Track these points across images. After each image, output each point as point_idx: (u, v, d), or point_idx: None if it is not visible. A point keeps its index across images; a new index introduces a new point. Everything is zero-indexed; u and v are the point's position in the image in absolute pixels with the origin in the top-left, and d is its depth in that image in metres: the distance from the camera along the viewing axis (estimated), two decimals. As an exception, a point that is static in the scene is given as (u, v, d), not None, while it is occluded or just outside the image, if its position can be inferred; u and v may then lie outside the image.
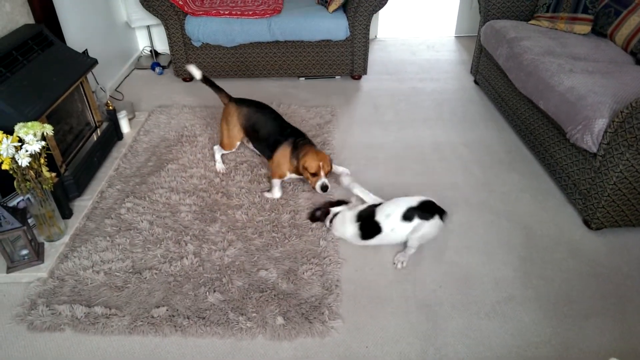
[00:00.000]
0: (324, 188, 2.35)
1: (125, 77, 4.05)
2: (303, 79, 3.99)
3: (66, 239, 2.21)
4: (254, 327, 1.81)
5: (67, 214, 2.33)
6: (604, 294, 1.97)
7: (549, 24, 3.31)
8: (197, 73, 2.64)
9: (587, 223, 2.33)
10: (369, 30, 3.70)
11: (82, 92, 2.72)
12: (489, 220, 2.38)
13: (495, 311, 1.90)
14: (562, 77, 2.55)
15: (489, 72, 3.55)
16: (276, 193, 2.49)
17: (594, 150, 2.20)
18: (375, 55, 4.52)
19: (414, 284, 2.03)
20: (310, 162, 2.33)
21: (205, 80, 2.68)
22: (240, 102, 2.67)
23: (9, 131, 1.89)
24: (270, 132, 2.52)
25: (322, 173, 2.34)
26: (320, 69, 3.89)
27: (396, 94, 3.73)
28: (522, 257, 2.16)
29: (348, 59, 3.82)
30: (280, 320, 1.83)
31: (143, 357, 1.72)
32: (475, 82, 3.89)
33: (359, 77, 3.99)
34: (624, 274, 2.06)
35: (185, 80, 3.95)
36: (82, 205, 2.43)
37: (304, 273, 2.04)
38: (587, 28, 3.20)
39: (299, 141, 2.45)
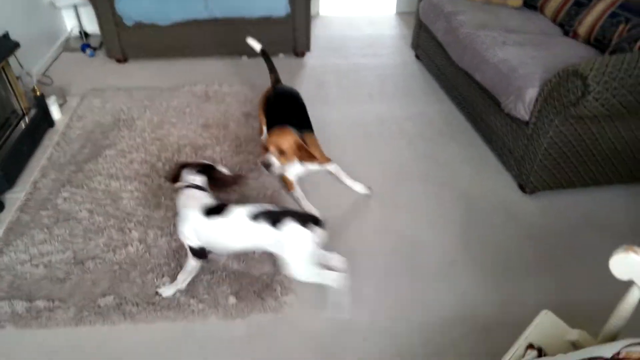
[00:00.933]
0: (266, 164, 2.16)
1: (54, 61, 3.80)
2: (246, 57, 3.91)
3: (-1, 233, 2.09)
4: (206, 309, 1.79)
5: (-3, 207, 2.19)
6: (539, 253, 2.11)
7: (483, -3, 3.41)
8: (257, 46, 2.75)
9: (522, 187, 2.46)
10: (309, 6, 3.66)
11: (5, 78, 2.54)
12: (433, 191, 2.47)
13: (440, 275, 1.99)
14: (495, 49, 2.64)
15: (428, 46, 3.63)
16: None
17: (526, 118, 2.32)
18: (318, 31, 4.49)
19: (364, 255, 2.08)
20: (270, 140, 2.18)
21: (263, 54, 2.74)
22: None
23: None
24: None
25: (273, 150, 2.14)
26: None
27: (340, 70, 3.74)
28: (462, 223, 2.26)
29: (290, 36, 3.78)
30: (232, 299, 1.82)
31: (94, 347, 1.67)
32: (417, 56, 3.97)
33: (303, 54, 3.96)
34: (556, 233, 2.21)
35: (119, 61, 3.76)
36: (14, 197, 2.29)
37: (254, 252, 2.03)
38: (519, 1, 3.33)
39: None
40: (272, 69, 2.72)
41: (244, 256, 2.01)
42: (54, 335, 1.71)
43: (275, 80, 2.71)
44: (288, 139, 2.14)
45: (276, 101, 2.50)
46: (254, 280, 1.91)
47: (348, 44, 4.25)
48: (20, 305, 1.78)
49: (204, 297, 1.83)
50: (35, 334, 1.72)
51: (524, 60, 2.47)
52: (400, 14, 5.08)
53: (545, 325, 1.24)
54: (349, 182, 2.43)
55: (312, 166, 2.34)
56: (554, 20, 3.09)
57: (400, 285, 1.95)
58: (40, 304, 1.79)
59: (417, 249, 2.12)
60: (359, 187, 2.43)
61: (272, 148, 2.15)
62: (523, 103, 2.30)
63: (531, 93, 2.27)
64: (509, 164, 2.55)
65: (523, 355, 1.17)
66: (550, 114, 2.16)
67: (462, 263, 2.05)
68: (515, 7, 3.33)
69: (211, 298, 1.83)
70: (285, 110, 2.43)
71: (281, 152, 2.13)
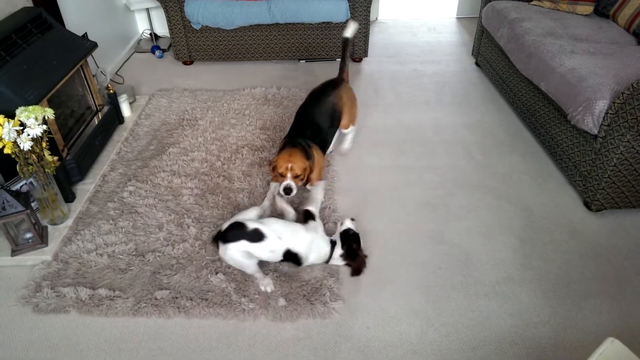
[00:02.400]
0: (287, 190, 2.20)
1: (126, 61, 4.02)
2: (303, 61, 3.97)
3: (69, 222, 2.23)
4: (257, 309, 1.83)
5: (70, 197, 2.34)
6: (603, 275, 1.99)
7: (551, 4, 3.28)
8: (350, 31, 2.70)
9: (587, 204, 2.34)
10: (369, 12, 3.67)
11: (83, 76, 2.71)
12: (490, 202, 2.39)
13: (495, 291, 1.92)
14: (563, 58, 2.53)
15: (490, 53, 3.52)
16: (265, 201, 2.32)
17: (595, 131, 2.20)
18: (375, 37, 4.48)
19: (415, 265, 2.05)
20: (280, 162, 2.20)
21: (344, 43, 2.70)
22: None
23: (10, 115, 1.89)
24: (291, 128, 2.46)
25: (289, 175, 2.18)
26: (321, 52, 3.86)
27: (397, 77, 3.71)
28: (522, 239, 2.17)
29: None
30: (282, 301, 1.85)
31: (147, 338, 1.75)
32: (477, 64, 3.87)
33: (360, 60, 3.96)
34: (623, 255, 2.08)
35: (185, 63, 3.93)
36: (85, 188, 2.44)
37: (305, 255, 2.05)
38: (589, 9, 3.16)
39: (299, 141, 2.29)
40: (343, 60, 2.71)
41: (295, 258, 2.04)
42: (112, 323, 1.81)
43: (340, 74, 2.69)
44: (299, 164, 2.18)
45: (312, 99, 2.52)
46: (304, 284, 1.93)
47: (406, 50, 4.21)
48: (84, 292, 1.90)
49: (255, 297, 1.87)
50: (95, 321, 1.82)
51: (593, 70, 2.34)
52: (461, 19, 4.96)
53: (610, 355, 1.16)
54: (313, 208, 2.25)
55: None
56: (627, 29, 2.91)
57: (452, 299, 1.90)
58: (103, 292, 1.90)
59: (471, 262, 2.06)
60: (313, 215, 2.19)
61: (284, 171, 2.17)
62: (592, 115, 2.18)
63: (601, 105, 2.15)
64: (574, 178, 2.42)
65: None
66: (622, 128, 2.04)
67: (519, 280, 1.97)
68: (585, 14, 3.17)
69: (262, 298, 1.87)
70: (309, 113, 2.45)
71: (295, 176, 2.19)
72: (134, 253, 2.08)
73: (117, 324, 1.81)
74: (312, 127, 2.40)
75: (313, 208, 2.17)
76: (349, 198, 2.43)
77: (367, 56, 3.90)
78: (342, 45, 2.73)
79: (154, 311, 1.83)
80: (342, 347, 1.72)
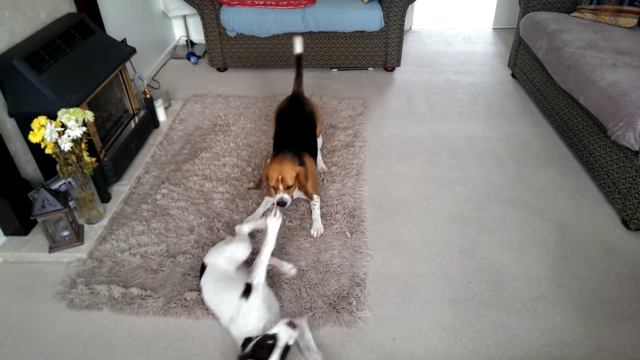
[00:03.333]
0: (281, 203, 2.10)
1: (162, 67, 4.13)
2: (336, 70, 3.99)
3: (105, 222, 2.29)
4: (282, 314, 1.83)
5: (105, 198, 2.41)
6: (641, 296, 1.91)
7: (592, 16, 3.20)
8: (298, 47, 2.70)
9: (625, 223, 2.25)
10: (404, 21, 3.66)
11: (121, 80, 2.80)
12: (523, 217, 2.34)
13: (527, 309, 1.87)
14: (604, 71, 2.46)
15: (527, 65, 3.46)
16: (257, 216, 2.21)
17: (636, 148, 2.13)
18: (409, 46, 4.46)
19: (444, 278, 2.01)
20: (270, 172, 2.10)
21: (299, 59, 2.73)
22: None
23: (52, 117, 1.96)
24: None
25: (281, 187, 2.08)
26: (353, 61, 3.87)
27: (430, 87, 3.68)
28: (556, 256, 2.11)
29: (382, 51, 3.79)
30: (307, 312, 1.85)
31: (176, 339, 1.78)
32: (513, 75, 3.80)
33: (392, 69, 3.95)
34: (663, 276, 2.00)
35: (219, 70, 4.00)
36: (120, 190, 2.51)
37: (332, 264, 2.05)
38: (633, 21, 3.07)
39: (289, 150, 2.20)
40: (299, 75, 2.70)
41: (321, 267, 2.04)
42: (143, 322, 1.85)
43: (298, 87, 2.68)
44: (290, 173, 2.07)
45: (289, 112, 2.49)
46: (330, 291, 1.93)
47: (440, 60, 4.17)
48: (117, 291, 1.95)
49: (281, 304, 1.88)
50: (127, 319, 1.86)
51: (636, 85, 2.27)
52: (498, 29, 4.89)
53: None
54: (315, 221, 2.25)
55: (300, 194, 2.27)
56: (675, 42, 2.81)
57: (482, 314, 1.86)
58: (135, 291, 1.94)
59: (502, 278, 2.01)
60: (314, 231, 2.21)
61: (275, 183, 2.07)
62: (634, 131, 2.11)
63: (644, 121, 2.08)
64: (612, 196, 2.34)
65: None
66: (667, 145, 1.96)
67: (552, 299, 1.91)
68: (628, 27, 3.08)
69: (288, 305, 1.87)
70: (293, 125, 2.40)
71: (287, 187, 2.09)
72: (165, 254, 2.13)
73: (148, 323, 1.84)
74: (300, 136, 2.34)
75: (258, 270, 1.71)
76: (377, 207, 2.41)
77: (400, 65, 3.89)
78: (296, 61, 2.73)
79: (184, 312, 1.86)
80: (366, 357, 1.71)
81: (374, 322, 1.83)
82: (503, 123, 3.16)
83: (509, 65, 3.85)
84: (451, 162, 2.77)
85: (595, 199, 2.45)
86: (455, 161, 2.78)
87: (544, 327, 1.80)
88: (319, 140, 2.62)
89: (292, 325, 1.55)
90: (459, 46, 4.48)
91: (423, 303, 1.91)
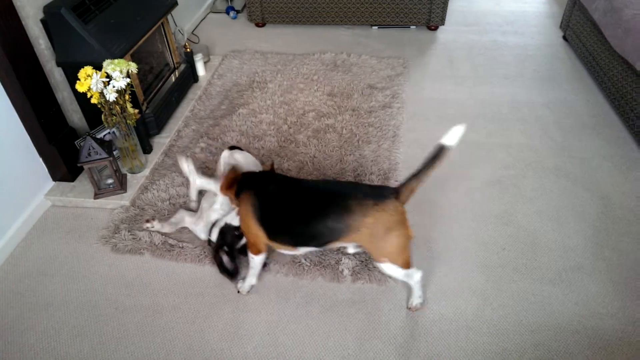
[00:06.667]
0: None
1: (201, 21, 4.12)
2: (376, 27, 3.87)
3: (146, 172, 2.37)
4: (316, 269, 1.88)
5: (147, 149, 2.48)
6: (684, 273, 1.85)
7: (660, -26, 2.95)
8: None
9: (675, 197, 2.16)
10: (451, -23, 3.49)
11: (163, 33, 2.81)
12: (565, 186, 2.27)
13: (561, 278, 1.85)
14: (667, 35, 2.29)
15: (581, 27, 3.26)
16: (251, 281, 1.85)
17: (695, 118, 2.00)
18: (455, 4, 4.27)
19: (477, 244, 2.00)
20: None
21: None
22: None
23: (97, 67, 2.01)
24: None
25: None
26: (395, 18, 3.75)
27: (475, 47, 3.54)
28: (597, 227, 2.05)
29: (425, 8, 3.64)
30: (341, 266, 1.89)
31: (212, 285, 1.86)
32: (564, 37, 3.59)
33: (436, 28, 3.80)
34: None
35: (258, 25, 3.96)
36: (161, 142, 2.58)
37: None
38: None
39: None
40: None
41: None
42: (181, 268, 1.94)
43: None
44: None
45: None
46: (363, 250, 1.95)
47: (486, 19, 3.98)
48: (157, 238, 2.03)
49: (316, 260, 1.92)
50: (166, 264, 1.96)
51: (703, 51, 2.11)
52: (552, -11, 4.60)
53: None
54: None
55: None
56: None
57: (514, 281, 1.85)
58: (172, 241, 2.02)
59: (538, 247, 1.98)
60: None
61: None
62: (694, 100, 1.98)
63: None
64: (663, 168, 2.23)
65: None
66: None
67: (589, 270, 1.87)
68: (700, -14, 2.83)
69: (322, 260, 1.91)
70: None
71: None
72: (202, 206, 2.19)
73: (186, 269, 1.93)
74: None
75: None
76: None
77: (443, 24, 3.73)
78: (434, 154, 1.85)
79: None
80: (395, 314, 1.74)
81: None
82: (550, 88, 3.02)
83: (561, 27, 3.64)
84: (492, 128, 2.69)
85: (643, 171, 2.35)
86: (496, 126, 2.70)
87: (577, 297, 1.78)
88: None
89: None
90: (509, 5, 4.25)
91: (454, 266, 1.91)
